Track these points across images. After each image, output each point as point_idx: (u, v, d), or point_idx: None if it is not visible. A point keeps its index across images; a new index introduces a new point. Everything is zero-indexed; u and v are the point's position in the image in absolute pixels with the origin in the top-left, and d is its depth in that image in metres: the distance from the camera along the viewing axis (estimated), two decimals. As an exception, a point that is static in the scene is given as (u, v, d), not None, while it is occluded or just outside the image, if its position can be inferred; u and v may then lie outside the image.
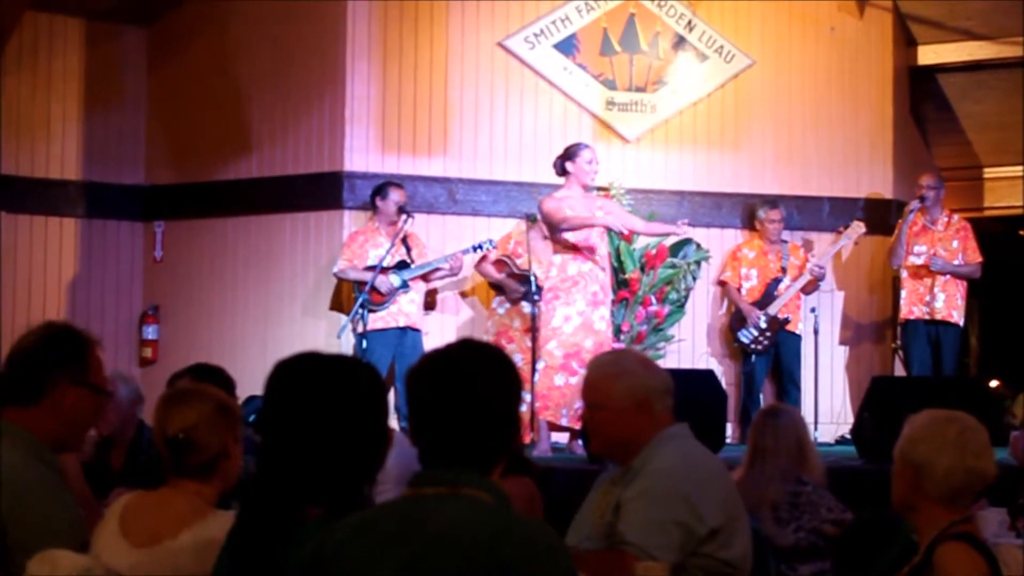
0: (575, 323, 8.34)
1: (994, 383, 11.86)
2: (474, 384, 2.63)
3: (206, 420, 3.39)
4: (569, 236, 8.39)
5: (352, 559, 2.57)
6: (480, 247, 9.52)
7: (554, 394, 8.34)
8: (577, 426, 8.36)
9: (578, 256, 8.42)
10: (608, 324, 8.58)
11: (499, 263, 9.64)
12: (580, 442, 8.03)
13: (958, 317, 10.08)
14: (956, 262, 10.10)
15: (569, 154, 8.56)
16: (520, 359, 8.79)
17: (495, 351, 2.72)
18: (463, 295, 10.15)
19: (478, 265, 9.79)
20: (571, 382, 8.23)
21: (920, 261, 10.09)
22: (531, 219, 9.59)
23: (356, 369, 2.91)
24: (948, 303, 10.03)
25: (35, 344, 3.53)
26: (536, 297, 8.67)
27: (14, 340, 3.59)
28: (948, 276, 10.05)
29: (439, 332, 9.97)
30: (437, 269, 9.56)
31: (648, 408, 3.72)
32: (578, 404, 8.10)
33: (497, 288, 9.68)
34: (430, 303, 9.92)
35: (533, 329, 8.64)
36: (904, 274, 10.19)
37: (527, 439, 8.56)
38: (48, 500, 3.39)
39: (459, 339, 2.75)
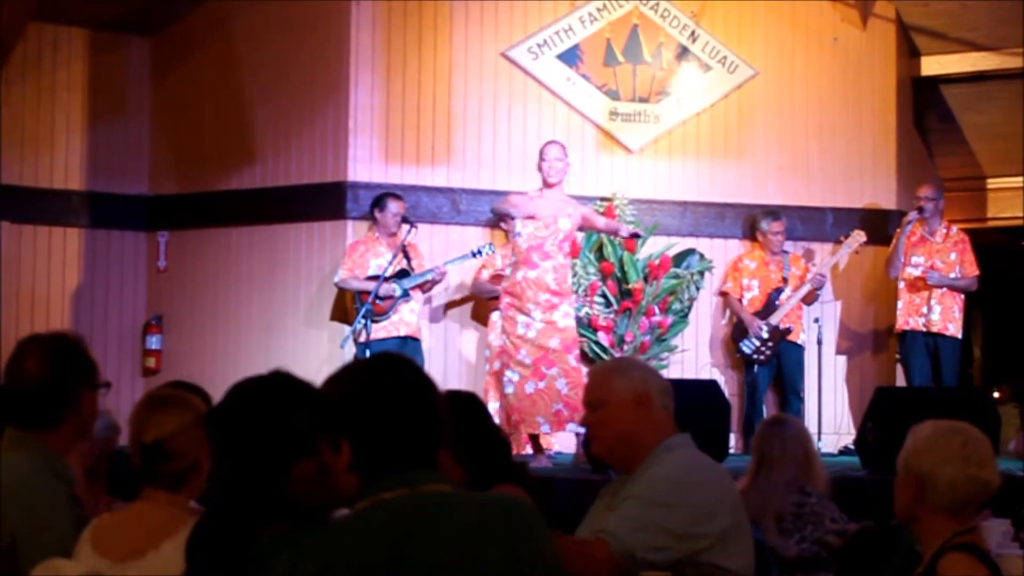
0: (538, 327, 8.16)
1: (997, 394, 11.84)
2: (405, 387, 2.68)
3: (185, 430, 3.31)
4: (520, 236, 8.27)
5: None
6: (480, 252, 9.51)
7: (526, 404, 8.16)
8: (561, 429, 8.29)
9: (526, 262, 8.22)
10: (573, 318, 8.36)
11: (496, 278, 9.62)
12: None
13: (955, 330, 10.05)
14: (953, 274, 10.08)
15: (540, 154, 8.51)
16: None
17: (403, 357, 2.77)
18: (461, 303, 10.14)
19: (475, 287, 9.76)
20: (540, 387, 8.11)
21: (918, 272, 10.07)
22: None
23: (313, 390, 2.89)
24: (944, 315, 10.02)
25: (48, 370, 3.51)
26: None
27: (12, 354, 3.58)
28: (945, 289, 10.03)
29: (442, 341, 9.99)
30: (428, 280, 9.51)
31: (649, 405, 3.72)
32: (557, 406, 8.04)
33: (496, 300, 9.62)
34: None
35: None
36: (901, 285, 10.18)
37: (533, 449, 8.52)
38: (57, 513, 3.39)
39: (374, 353, 2.82)
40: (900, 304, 10.16)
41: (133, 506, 3.38)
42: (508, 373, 8.26)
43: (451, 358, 10.09)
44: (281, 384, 2.87)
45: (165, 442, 3.30)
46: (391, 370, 2.70)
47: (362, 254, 9.53)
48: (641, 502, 3.58)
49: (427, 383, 2.71)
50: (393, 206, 9.53)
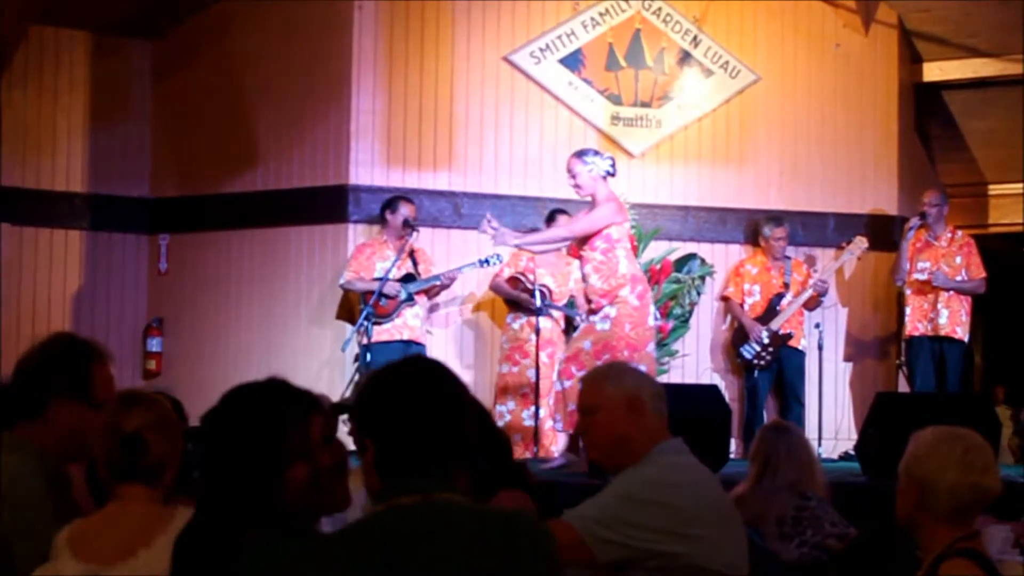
0: (582, 326, 8.24)
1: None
2: (430, 396, 2.68)
3: (158, 423, 3.33)
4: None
5: None
6: (487, 261, 9.46)
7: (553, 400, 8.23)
8: (571, 430, 8.29)
9: (578, 265, 8.34)
10: (615, 321, 7.95)
11: (512, 280, 9.59)
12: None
13: (962, 333, 10.06)
14: (959, 278, 10.09)
15: None
16: (533, 374, 8.76)
17: (441, 365, 2.78)
18: (473, 310, 10.14)
19: (492, 284, 9.74)
20: (566, 385, 8.11)
21: (924, 277, 10.08)
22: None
23: (309, 396, 2.90)
24: (952, 319, 10.02)
25: (35, 360, 3.54)
26: (546, 311, 8.71)
27: (20, 352, 3.60)
28: (951, 292, 10.03)
29: (444, 348, 9.98)
30: (435, 285, 9.50)
31: (641, 408, 3.74)
32: (572, 407, 8.02)
33: (512, 304, 9.60)
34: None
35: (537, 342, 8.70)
36: (908, 291, 10.18)
37: (531, 454, 8.51)
38: (49, 517, 3.38)
39: (407, 356, 2.83)
40: (908, 310, 10.16)
41: (109, 507, 3.35)
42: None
43: (457, 364, 10.08)
44: (275, 390, 2.88)
45: (143, 433, 3.30)
46: (425, 377, 2.71)
47: (369, 256, 9.53)
48: (612, 492, 3.64)
49: (459, 394, 2.71)
50: (404, 209, 9.53)
